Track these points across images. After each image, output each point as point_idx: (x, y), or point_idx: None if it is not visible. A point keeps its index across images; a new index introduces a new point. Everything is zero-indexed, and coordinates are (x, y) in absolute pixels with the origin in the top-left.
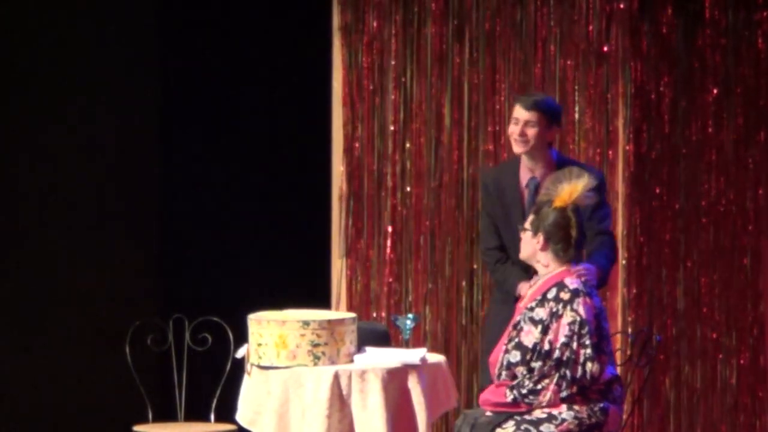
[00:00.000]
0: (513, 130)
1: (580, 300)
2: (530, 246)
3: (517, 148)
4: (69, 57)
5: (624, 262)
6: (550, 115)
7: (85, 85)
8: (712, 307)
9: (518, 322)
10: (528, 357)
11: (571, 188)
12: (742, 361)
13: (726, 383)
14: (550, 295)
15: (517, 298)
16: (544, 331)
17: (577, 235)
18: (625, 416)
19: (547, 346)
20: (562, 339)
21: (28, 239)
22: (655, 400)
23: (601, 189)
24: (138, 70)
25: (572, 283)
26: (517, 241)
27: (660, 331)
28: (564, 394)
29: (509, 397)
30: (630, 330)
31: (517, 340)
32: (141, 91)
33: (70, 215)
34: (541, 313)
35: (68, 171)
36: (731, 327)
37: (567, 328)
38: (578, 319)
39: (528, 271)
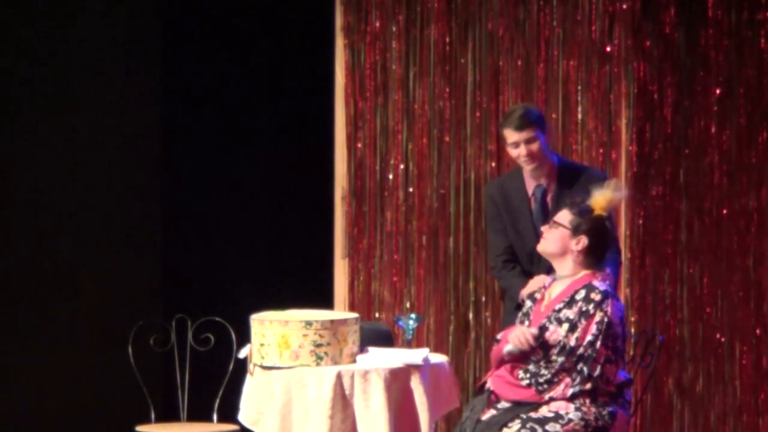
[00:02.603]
0: (517, 153)
1: (609, 301)
2: (561, 243)
3: (529, 166)
4: (70, 57)
5: (627, 262)
6: (540, 123)
7: (87, 85)
8: (714, 308)
9: (543, 325)
10: (550, 352)
11: (610, 198)
12: (744, 362)
13: (729, 383)
14: (579, 296)
15: (518, 305)
16: (572, 329)
17: (610, 247)
18: None
19: (573, 343)
20: (588, 337)
21: (30, 240)
22: (657, 401)
23: None
24: (140, 70)
25: (601, 285)
26: (528, 248)
27: (663, 332)
28: (576, 389)
29: (524, 381)
30: (633, 330)
31: (541, 340)
32: (143, 92)
33: (72, 215)
34: (568, 313)
35: (70, 171)
36: (734, 327)
37: (595, 327)
38: (606, 320)
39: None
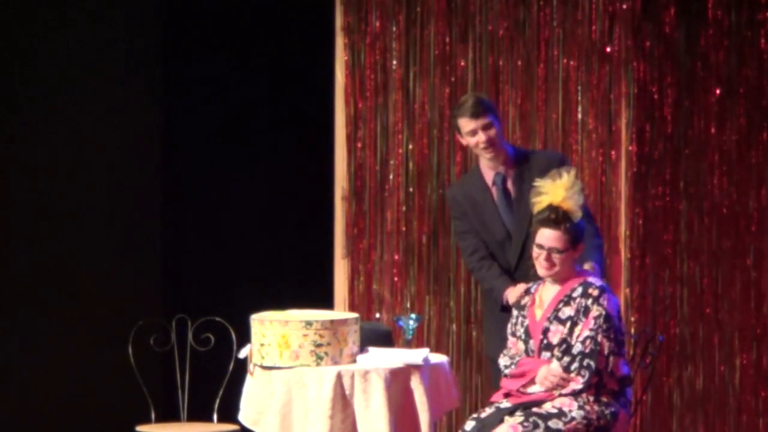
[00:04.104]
0: (476, 140)
1: (606, 296)
2: (568, 262)
3: (488, 154)
4: (70, 57)
5: (626, 262)
6: (494, 110)
7: (87, 85)
8: (714, 308)
9: (546, 328)
10: (554, 352)
11: (560, 186)
12: (744, 362)
13: (729, 383)
14: (576, 293)
15: (503, 307)
16: (573, 327)
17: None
18: None
19: (574, 341)
20: (585, 332)
21: (30, 240)
22: (657, 401)
23: (565, 162)
24: (140, 70)
25: (596, 281)
26: (497, 236)
27: (663, 332)
28: (585, 385)
29: (539, 394)
30: (633, 330)
31: (545, 342)
32: (144, 93)
33: (73, 215)
34: (567, 311)
35: (70, 171)
36: (734, 327)
37: (593, 321)
38: (604, 313)
39: (514, 278)
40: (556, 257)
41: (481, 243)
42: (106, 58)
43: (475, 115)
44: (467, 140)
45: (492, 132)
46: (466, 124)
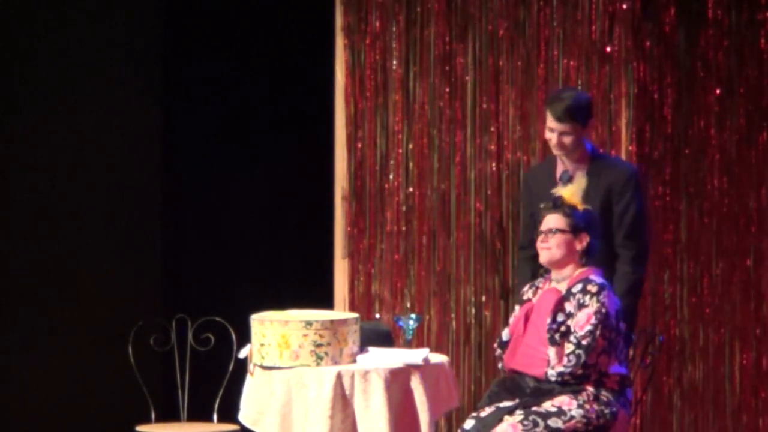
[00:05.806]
0: (549, 136)
1: (606, 293)
2: (566, 248)
3: (556, 151)
4: (70, 57)
5: None
6: (582, 119)
7: (87, 85)
8: (714, 308)
9: (552, 319)
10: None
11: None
12: (744, 362)
13: (729, 384)
14: (575, 289)
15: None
16: (571, 318)
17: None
18: None
19: (573, 329)
20: (587, 327)
21: (30, 239)
22: (657, 401)
23: (630, 182)
24: (140, 70)
25: (598, 278)
26: None
27: (662, 332)
28: (568, 370)
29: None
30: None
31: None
32: (144, 93)
33: (72, 215)
34: (568, 307)
35: (70, 171)
36: (734, 327)
37: (594, 317)
38: (604, 310)
39: (536, 277)
40: (552, 239)
41: (531, 241)
42: (106, 58)
43: (559, 120)
44: (545, 130)
45: (567, 139)
46: (548, 119)
